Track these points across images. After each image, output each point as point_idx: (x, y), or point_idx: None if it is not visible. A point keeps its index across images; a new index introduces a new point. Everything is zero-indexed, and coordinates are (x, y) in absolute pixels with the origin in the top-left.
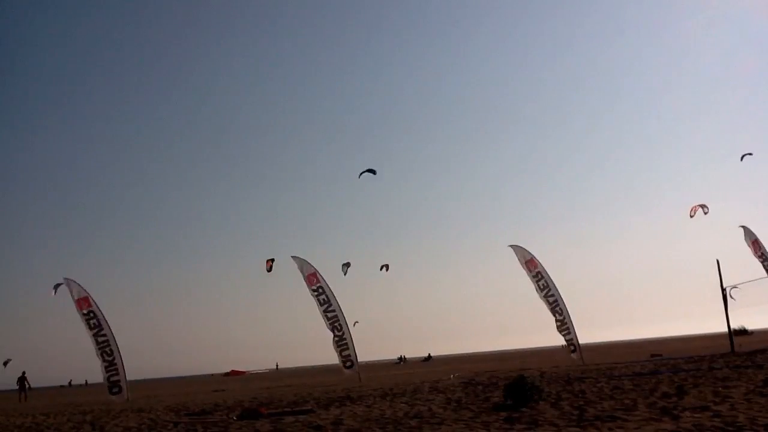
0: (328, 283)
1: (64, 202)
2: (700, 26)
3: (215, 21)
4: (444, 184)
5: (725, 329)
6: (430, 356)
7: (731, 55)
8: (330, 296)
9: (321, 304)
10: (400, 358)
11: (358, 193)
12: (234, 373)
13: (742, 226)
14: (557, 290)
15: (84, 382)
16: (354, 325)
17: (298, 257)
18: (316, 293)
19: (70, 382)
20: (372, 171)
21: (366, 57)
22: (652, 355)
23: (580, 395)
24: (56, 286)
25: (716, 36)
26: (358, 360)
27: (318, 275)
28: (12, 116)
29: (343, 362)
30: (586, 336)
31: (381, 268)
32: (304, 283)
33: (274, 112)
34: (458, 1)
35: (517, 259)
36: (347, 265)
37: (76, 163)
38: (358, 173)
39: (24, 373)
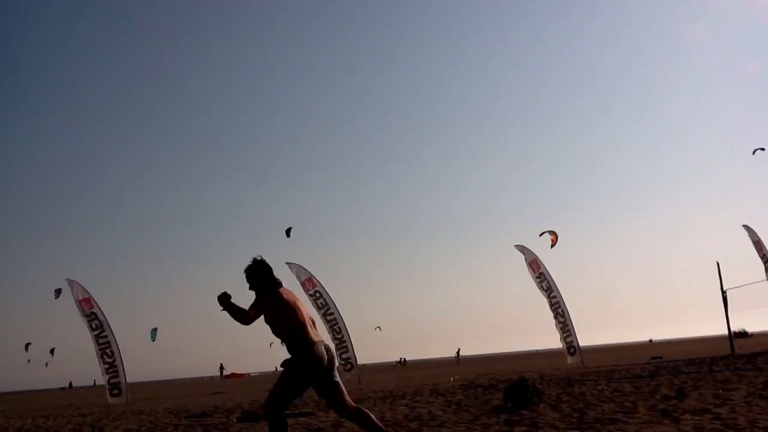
0: (328, 287)
1: (65, 203)
2: (703, 30)
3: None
4: (443, 188)
5: (725, 331)
6: (403, 360)
7: (733, 58)
8: (327, 300)
9: (319, 308)
10: (401, 361)
11: (359, 195)
12: (233, 375)
13: (744, 226)
14: (559, 292)
15: (92, 383)
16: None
17: (292, 263)
18: (313, 297)
19: (70, 384)
20: None
21: (366, 59)
22: (653, 358)
23: (580, 398)
24: (58, 291)
25: (718, 40)
26: (358, 362)
27: (314, 279)
28: (12, 116)
29: (342, 365)
30: (586, 338)
31: None
32: (301, 288)
33: (275, 113)
34: (459, 2)
35: (524, 258)
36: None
37: (77, 163)
38: (359, 172)
39: None
